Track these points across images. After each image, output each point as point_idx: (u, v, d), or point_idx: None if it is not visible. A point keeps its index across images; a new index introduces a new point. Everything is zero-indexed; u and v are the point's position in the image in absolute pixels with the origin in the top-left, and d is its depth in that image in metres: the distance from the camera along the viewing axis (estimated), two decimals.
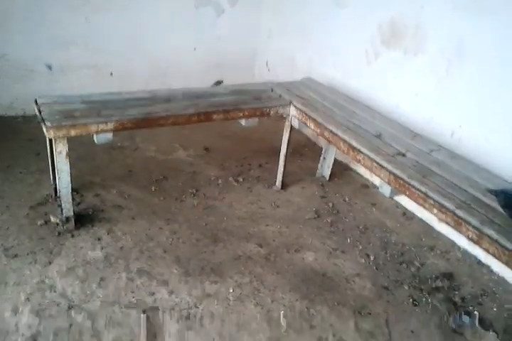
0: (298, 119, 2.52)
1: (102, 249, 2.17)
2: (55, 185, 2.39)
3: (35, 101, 2.29)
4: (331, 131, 2.29)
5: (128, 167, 2.90)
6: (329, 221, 2.55)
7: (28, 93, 3.28)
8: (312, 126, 2.42)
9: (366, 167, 2.11)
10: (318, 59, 3.32)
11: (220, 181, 2.84)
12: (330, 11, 3.11)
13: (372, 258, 2.29)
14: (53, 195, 2.48)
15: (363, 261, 2.27)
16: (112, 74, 3.61)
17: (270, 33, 3.83)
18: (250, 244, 2.30)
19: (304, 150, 3.32)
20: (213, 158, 3.11)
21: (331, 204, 2.69)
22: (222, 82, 3.99)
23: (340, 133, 2.24)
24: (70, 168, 2.15)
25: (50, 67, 3.43)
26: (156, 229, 2.34)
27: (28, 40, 3.29)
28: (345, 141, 2.20)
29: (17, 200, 2.47)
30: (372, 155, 2.07)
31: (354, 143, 2.16)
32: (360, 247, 2.36)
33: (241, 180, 2.87)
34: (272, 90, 2.73)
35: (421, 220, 2.62)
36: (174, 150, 3.18)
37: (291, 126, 2.60)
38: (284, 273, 2.13)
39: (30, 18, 3.24)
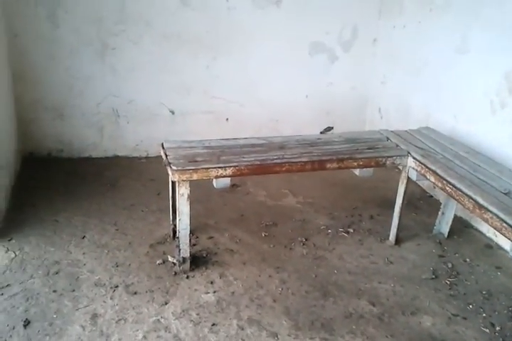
0: (416, 171, 2.42)
1: (214, 292, 2.21)
2: (174, 225, 2.52)
3: (162, 145, 2.42)
4: (454, 186, 2.15)
5: (240, 211, 2.98)
6: (448, 283, 2.35)
7: (152, 136, 3.61)
8: (432, 178, 2.30)
9: (495, 227, 1.93)
10: (435, 106, 3.19)
11: (329, 231, 2.78)
12: (450, 57, 2.99)
13: (498, 328, 2.06)
14: (171, 235, 2.60)
15: (487, 330, 2.05)
16: (227, 119, 3.79)
17: (384, 78, 3.78)
18: (362, 301, 2.20)
19: (419, 203, 3.16)
20: (322, 207, 3.07)
21: (450, 265, 2.50)
22: (332, 128, 4.00)
23: (464, 189, 2.10)
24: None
25: (172, 112, 3.69)
26: (266, 277, 2.34)
27: (153, 87, 3.57)
28: (470, 197, 2.05)
29: (138, 238, 2.63)
30: (501, 214, 1.89)
31: (480, 200, 2.00)
32: (484, 315, 2.14)
33: (351, 231, 2.79)
34: (388, 139, 2.67)
35: None
36: (284, 196, 3.21)
37: (408, 178, 2.51)
38: (398, 337, 1.99)
39: (157, 67, 3.52)
